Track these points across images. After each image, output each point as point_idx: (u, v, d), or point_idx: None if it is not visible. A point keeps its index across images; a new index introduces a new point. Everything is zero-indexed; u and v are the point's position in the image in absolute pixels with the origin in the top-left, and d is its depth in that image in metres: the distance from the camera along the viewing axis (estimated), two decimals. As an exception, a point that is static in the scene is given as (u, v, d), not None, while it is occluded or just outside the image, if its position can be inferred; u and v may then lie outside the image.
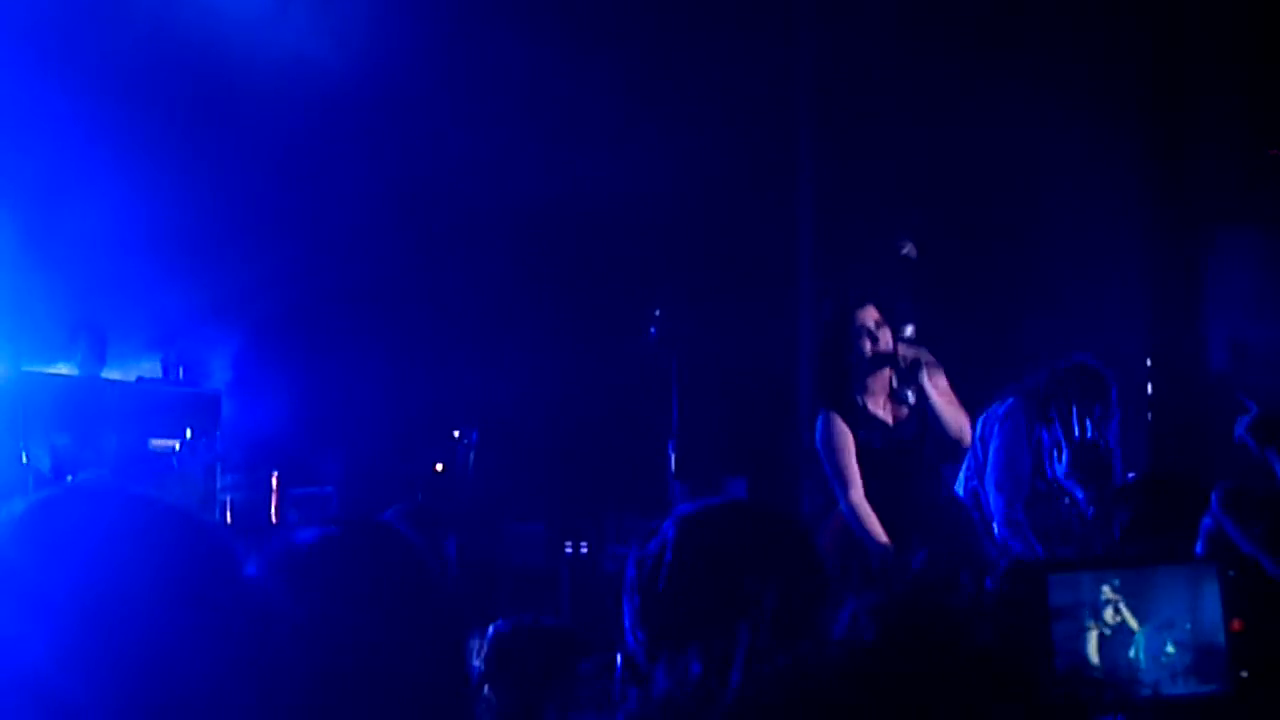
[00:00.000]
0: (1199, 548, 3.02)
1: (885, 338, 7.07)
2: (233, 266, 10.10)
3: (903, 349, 7.10)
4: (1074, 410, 7.69)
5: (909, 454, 7.21)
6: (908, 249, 7.78)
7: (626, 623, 2.72)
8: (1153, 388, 10.52)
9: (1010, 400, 7.81)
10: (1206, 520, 3.02)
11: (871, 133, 11.02)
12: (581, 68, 10.55)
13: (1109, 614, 2.73)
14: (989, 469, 7.73)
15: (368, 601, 2.65)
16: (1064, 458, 7.67)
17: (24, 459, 8.10)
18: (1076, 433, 7.67)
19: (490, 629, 4.70)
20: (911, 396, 7.11)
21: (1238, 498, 3.00)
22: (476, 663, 4.58)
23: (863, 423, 7.11)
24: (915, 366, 7.06)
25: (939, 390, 7.17)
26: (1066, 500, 7.66)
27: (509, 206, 10.85)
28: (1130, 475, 8.20)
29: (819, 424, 7.11)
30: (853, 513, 6.93)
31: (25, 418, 8.21)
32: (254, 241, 10.32)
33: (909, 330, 7.25)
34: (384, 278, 10.76)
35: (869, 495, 7.01)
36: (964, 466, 7.77)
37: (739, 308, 10.91)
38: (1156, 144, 10.86)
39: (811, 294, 11.14)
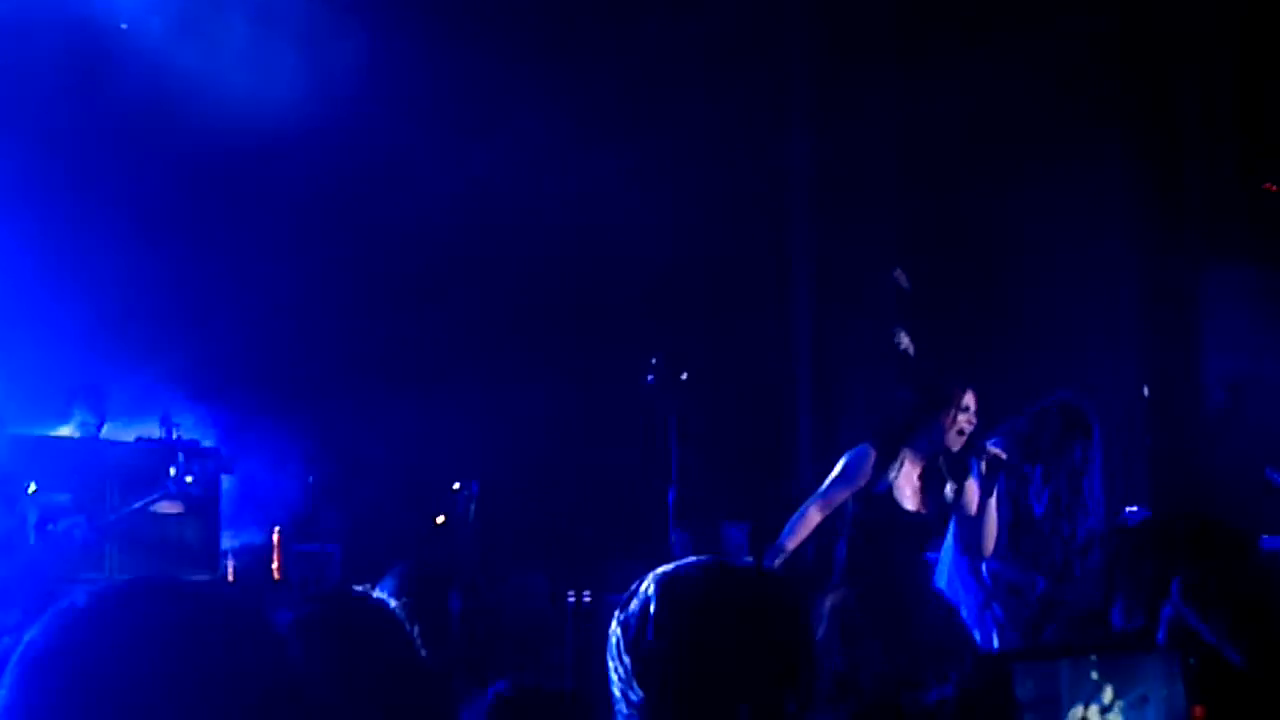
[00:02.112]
0: (1160, 636, 3.02)
1: (973, 423, 7.11)
2: (231, 324, 10.13)
3: (990, 448, 7.12)
4: (1057, 448, 7.75)
5: (918, 530, 7.25)
6: (898, 274, 7.79)
7: (617, 689, 2.72)
8: (1150, 423, 10.54)
9: (994, 440, 7.85)
10: (1167, 609, 3.03)
11: (868, 176, 11.05)
12: (583, 118, 10.59)
13: (1079, 706, 2.73)
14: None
15: (342, 680, 2.66)
16: (1045, 496, 7.73)
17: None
18: (1061, 470, 7.74)
19: (490, 691, 4.68)
20: (951, 489, 7.15)
21: (1198, 589, 3.01)
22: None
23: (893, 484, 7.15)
24: (991, 467, 7.08)
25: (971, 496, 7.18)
26: (1053, 536, 7.70)
27: (506, 259, 10.88)
28: (1131, 510, 8.24)
29: (858, 451, 7.11)
30: (802, 516, 7.01)
31: (23, 480, 8.20)
32: (251, 298, 10.35)
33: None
34: (381, 332, 10.77)
35: (871, 553, 7.06)
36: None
37: (737, 354, 10.92)
38: (1152, 182, 10.89)
39: (809, 338, 11.15)
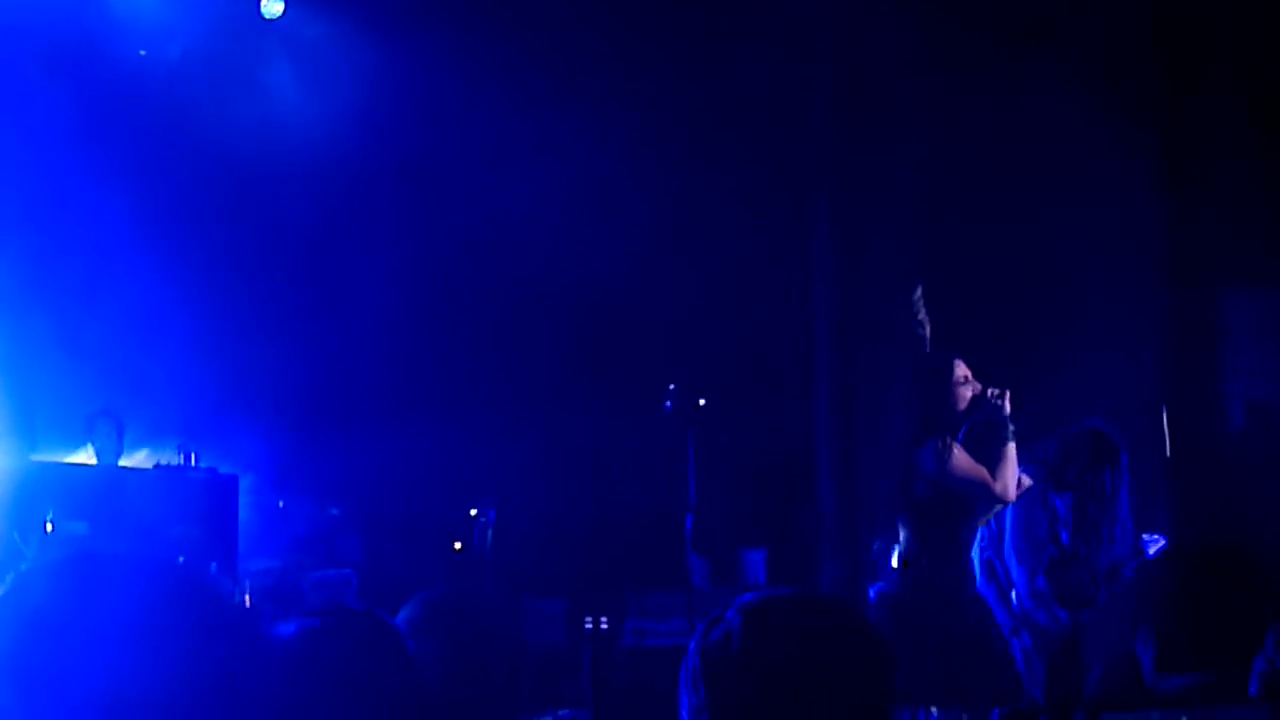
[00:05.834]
0: (1253, 688, 2.94)
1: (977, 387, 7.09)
2: (250, 351, 10.15)
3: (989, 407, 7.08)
4: (1085, 476, 7.70)
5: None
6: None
7: (686, 715, 2.67)
8: (1171, 450, 10.49)
9: (1023, 468, 7.78)
10: (1260, 661, 2.95)
11: (889, 207, 11.03)
12: (601, 149, 10.61)
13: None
14: (1006, 539, 7.69)
15: (349, 695, 2.65)
16: (1072, 523, 7.67)
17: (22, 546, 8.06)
18: (1089, 498, 7.68)
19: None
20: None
21: None
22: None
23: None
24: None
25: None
26: (1081, 564, 7.64)
27: (525, 285, 10.89)
28: (1149, 538, 8.19)
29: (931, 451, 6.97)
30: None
31: (40, 508, 8.18)
32: (271, 326, 10.38)
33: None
34: (400, 359, 10.79)
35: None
36: (978, 537, 7.73)
37: (754, 380, 10.90)
38: (1173, 207, 10.85)
39: (828, 366, 11.12)
